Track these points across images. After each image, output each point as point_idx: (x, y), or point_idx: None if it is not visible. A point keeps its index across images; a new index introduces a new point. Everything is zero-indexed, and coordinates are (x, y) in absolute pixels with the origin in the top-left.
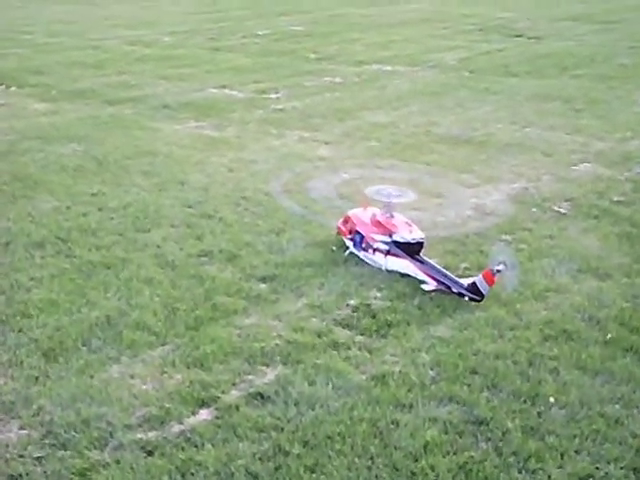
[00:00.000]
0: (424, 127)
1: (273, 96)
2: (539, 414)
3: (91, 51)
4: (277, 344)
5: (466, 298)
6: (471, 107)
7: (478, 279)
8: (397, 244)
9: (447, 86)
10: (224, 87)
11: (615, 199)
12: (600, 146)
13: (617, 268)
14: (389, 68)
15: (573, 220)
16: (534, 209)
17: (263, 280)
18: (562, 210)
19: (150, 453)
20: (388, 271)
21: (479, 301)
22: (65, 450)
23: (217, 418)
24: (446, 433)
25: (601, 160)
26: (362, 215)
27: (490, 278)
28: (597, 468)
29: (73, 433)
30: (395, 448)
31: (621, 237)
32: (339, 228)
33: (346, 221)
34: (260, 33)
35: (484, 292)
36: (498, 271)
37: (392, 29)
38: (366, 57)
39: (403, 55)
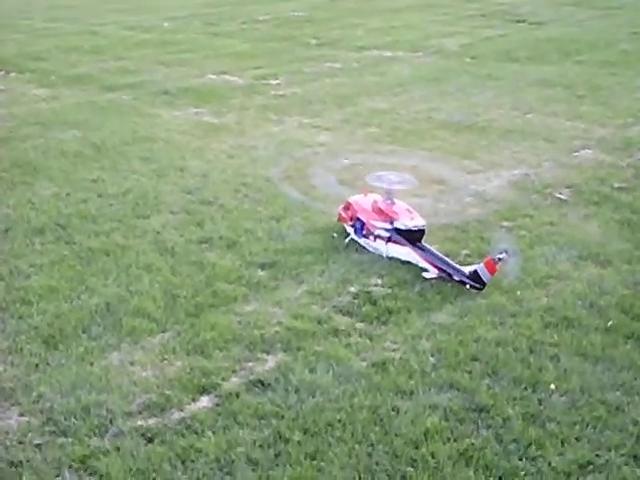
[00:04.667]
0: (425, 113)
1: (273, 82)
2: (540, 401)
3: (90, 36)
4: (277, 331)
5: (467, 286)
6: (472, 93)
7: (480, 267)
8: (398, 231)
9: (448, 72)
10: (224, 73)
11: (616, 185)
12: (601, 132)
13: (618, 255)
14: (390, 54)
15: (574, 207)
16: (535, 195)
17: (263, 267)
18: (563, 196)
19: (150, 440)
20: (389, 258)
21: (480, 289)
22: (65, 437)
23: (217, 405)
24: (446, 420)
25: (602, 146)
26: (363, 202)
27: (492, 266)
28: (597, 455)
29: (73, 420)
30: (395, 435)
31: (622, 224)
32: (340, 215)
33: (347, 208)
34: (260, 19)
35: (486, 280)
36: (500, 259)
37: (393, 15)
38: (367, 43)
39: (404, 41)
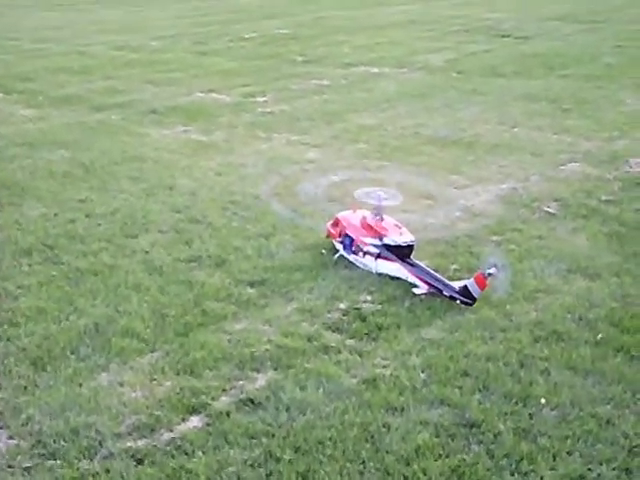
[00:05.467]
0: (412, 129)
1: (261, 99)
2: (531, 416)
3: (78, 57)
4: (267, 349)
5: (458, 302)
6: (459, 108)
7: (470, 282)
8: (388, 247)
9: (435, 87)
10: (211, 91)
11: (603, 198)
12: (588, 146)
13: (606, 268)
14: (376, 70)
15: (562, 220)
16: (523, 209)
17: (252, 285)
18: (551, 210)
19: (140, 462)
20: (378, 274)
21: (471, 304)
22: (54, 460)
23: (208, 425)
24: (438, 436)
25: (589, 160)
26: (352, 218)
27: (482, 282)
28: (589, 469)
29: (62, 443)
30: (387, 452)
31: (610, 236)
32: (329, 231)
33: (336, 224)
34: (246, 36)
35: (476, 296)
36: (490, 274)
37: (378, 31)
38: (353, 59)
39: (390, 57)
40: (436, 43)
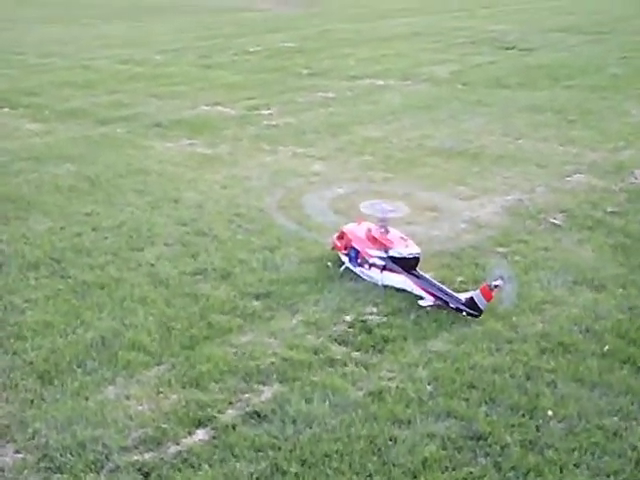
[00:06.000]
0: (417, 140)
1: (266, 112)
2: (537, 428)
3: (82, 71)
4: (273, 362)
5: (464, 313)
6: (464, 120)
7: (476, 294)
8: (393, 259)
9: (440, 99)
10: (216, 104)
11: (609, 210)
12: (593, 157)
13: (612, 279)
14: (381, 82)
15: (568, 231)
16: (529, 221)
17: (258, 297)
18: (557, 221)
19: (147, 475)
20: (384, 286)
21: (477, 316)
22: (61, 474)
23: (214, 438)
24: (444, 449)
25: (594, 171)
26: (357, 230)
27: (488, 293)
28: None
29: (69, 456)
30: (393, 465)
31: (615, 248)
32: (334, 243)
33: (341, 236)
34: (251, 50)
35: (482, 307)
36: (496, 286)
37: (383, 43)
38: (358, 72)
39: (395, 69)
40: (441, 55)
